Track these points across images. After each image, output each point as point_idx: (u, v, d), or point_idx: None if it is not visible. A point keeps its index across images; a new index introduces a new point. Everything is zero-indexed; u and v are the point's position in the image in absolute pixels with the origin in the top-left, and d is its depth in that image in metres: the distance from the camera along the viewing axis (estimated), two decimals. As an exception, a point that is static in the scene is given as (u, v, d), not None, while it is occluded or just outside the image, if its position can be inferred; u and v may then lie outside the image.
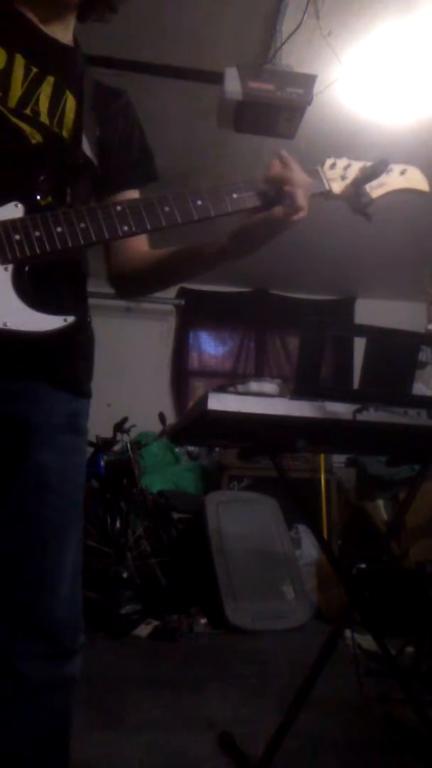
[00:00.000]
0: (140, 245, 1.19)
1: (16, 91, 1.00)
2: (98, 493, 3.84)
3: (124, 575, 3.55)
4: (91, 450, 3.87)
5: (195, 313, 5.71)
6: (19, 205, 0.95)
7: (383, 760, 1.87)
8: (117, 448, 4.19)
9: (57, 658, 1.02)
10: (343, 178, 1.13)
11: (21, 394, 1.00)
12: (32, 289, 0.95)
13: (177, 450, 4.85)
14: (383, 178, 1.17)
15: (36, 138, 1.00)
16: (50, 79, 1.04)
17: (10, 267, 0.93)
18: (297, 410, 1.45)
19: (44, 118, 1.02)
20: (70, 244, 0.95)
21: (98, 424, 4.06)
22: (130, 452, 4.00)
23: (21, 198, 0.95)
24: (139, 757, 1.87)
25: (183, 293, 5.65)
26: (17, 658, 0.99)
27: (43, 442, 1.00)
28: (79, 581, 1.08)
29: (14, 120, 0.99)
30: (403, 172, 1.22)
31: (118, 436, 4.08)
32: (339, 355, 5.65)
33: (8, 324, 0.91)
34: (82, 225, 0.96)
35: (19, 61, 1.01)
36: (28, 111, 1.00)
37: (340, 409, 1.48)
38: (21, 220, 0.94)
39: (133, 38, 2.77)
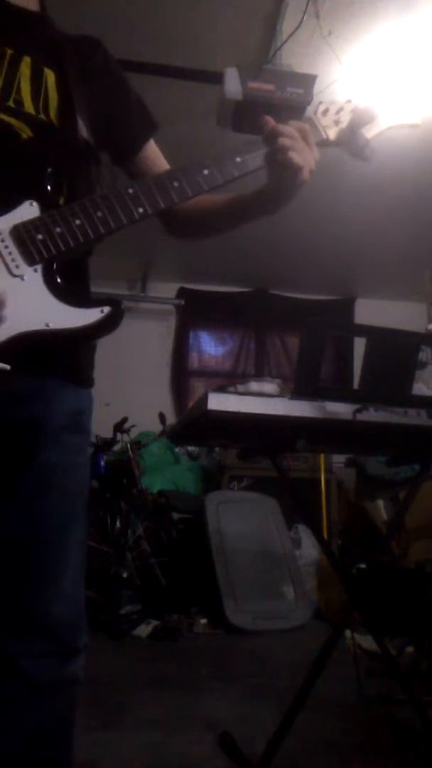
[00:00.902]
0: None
1: None
2: (98, 493, 3.84)
3: (124, 575, 3.55)
4: (91, 450, 3.87)
5: (195, 313, 5.71)
6: (34, 204, 0.93)
7: (383, 760, 1.87)
8: (117, 448, 4.19)
9: (60, 657, 1.02)
10: (337, 123, 1.12)
11: (36, 394, 0.99)
12: (63, 285, 0.94)
13: (177, 450, 4.85)
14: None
15: (26, 132, 0.98)
16: (27, 60, 1.01)
17: (40, 267, 0.92)
18: (297, 410, 1.45)
19: (29, 107, 0.99)
20: (92, 236, 0.94)
21: (98, 424, 4.05)
22: (130, 452, 4.00)
23: (34, 196, 0.93)
24: (139, 757, 1.87)
25: (183, 293, 5.65)
26: (21, 657, 0.99)
27: (49, 441, 1.00)
28: (82, 580, 1.08)
29: (2, 115, 0.96)
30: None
31: (118, 436, 4.08)
32: (339, 355, 5.65)
33: (50, 324, 0.91)
34: (99, 214, 0.95)
35: None
36: (11, 102, 0.97)
37: (340, 409, 1.48)
38: (40, 218, 0.93)
39: (133, 38, 2.77)
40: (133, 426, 4.15)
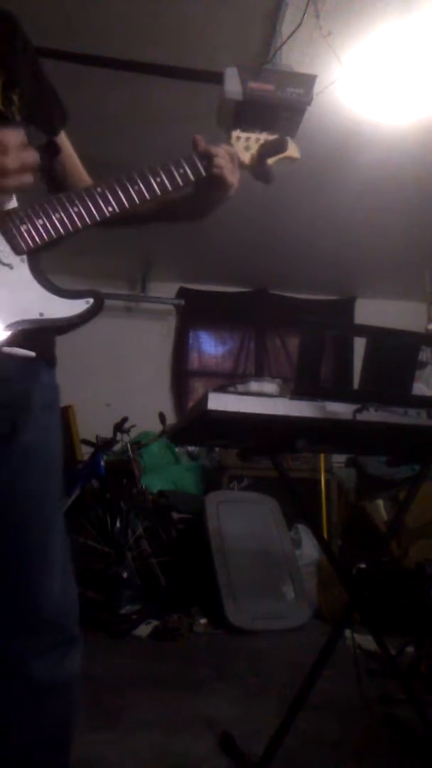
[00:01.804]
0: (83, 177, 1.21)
1: None
2: (98, 493, 3.83)
3: (124, 575, 3.55)
4: (91, 450, 3.87)
5: (195, 313, 5.71)
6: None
7: (383, 760, 1.87)
8: (117, 448, 4.19)
9: (61, 646, 1.02)
10: (247, 149, 1.25)
11: (20, 377, 1.01)
12: (45, 276, 0.97)
13: (177, 450, 4.85)
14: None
15: None
16: None
17: (26, 258, 0.95)
18: (297, 410, 1.45)
19: None
20: (70, 229, 0.98)
21: (98, 424, 4.10)
22: (130, 452, 4.00)
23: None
24: (140, 757, 1.87)
25: (183, 293, 5.65)
26: (24, 655, 0.99)
27: (28, 422, 1.01)
28: (69, 562, 1.07)
29: None
30: None
31: (118, 436, 4.07)
32: (339, 355, 5.65)
33: (44, 314, 0.95)
34: (75, 209, 0.99)
35: None
36: None
37: (340, 409, 1.48)
38: (22, 209, 0.95)
39: (133, 38, 2.77)
40: (133, 426, 4.15)
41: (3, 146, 0.88)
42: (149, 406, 4.49)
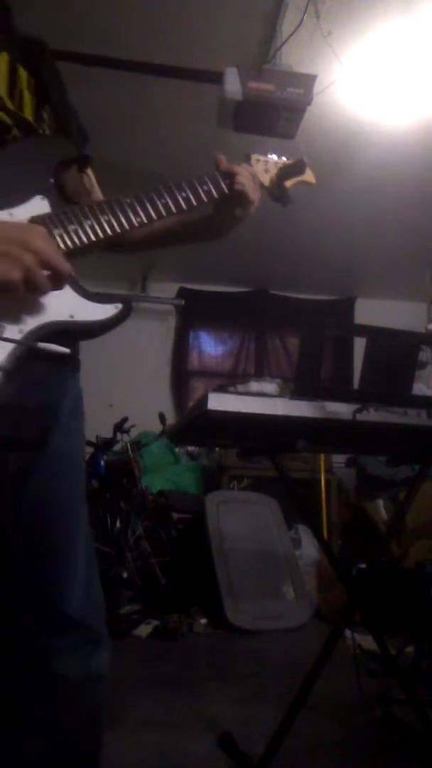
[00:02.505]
0: None
1: None
2: (98, 493, 3.84)
3: (124, 575, 3.55)
4: (91, 450, 3.87)
5: (195, 313, 5.71)
6: (45, 200, 0.98)
7: (383, 760, 1.87)
8: (117, 448, 4.19)
9: (88, 645, 1.03)
10: (266, 171, 1.31)
11: (51, 382, 1.03)
12: (76, 280, 0.99)
13: (177, 450, 4.85)
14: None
15: (15, 130, 1.02)
16: (5, 56, 1.04)
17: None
18: (297, 410, 1.45)
19: (12, 105, 1.02)
20: (101, 235, 1.01)
21: (98, 424, 4.10)
22: (130, 452, 4.01)
23: (43, 191, 0.97)
24: (139, 757, 1.87)
25: (183, 293, 5.65)
26: (51, 654, 1.00)
27: (57, 428, 1.03)
28: (95, 564, 1.10)
29: None
30: None
31: (118, 436, 4.08)
32: (339, 355, 5.65)
33: (74, 316, 0.98)
34: (105, 217, 1.02)
35: None
36: None
37: (340, 409, 1.48)
38: (55, 214, 0.98)
39: (133, 38, 2.77)
40: (133, 426, 4.15)
41: (42, 235, 0.90)
42: (149, 406, 4.49)
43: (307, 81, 2.51)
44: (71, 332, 1.00)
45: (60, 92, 1.17)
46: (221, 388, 1.56)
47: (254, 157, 1.31)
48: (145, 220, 1.07)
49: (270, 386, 1.67)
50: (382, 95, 3.09)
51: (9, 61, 1.04)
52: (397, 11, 2.60)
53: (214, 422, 1.47)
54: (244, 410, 1.41)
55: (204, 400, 1.41)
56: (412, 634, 2.55)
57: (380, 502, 4.02)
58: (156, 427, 4.33)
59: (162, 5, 2.63)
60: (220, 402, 1.41)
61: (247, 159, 1.30)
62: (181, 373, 5.66)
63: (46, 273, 0.90)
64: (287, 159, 1.34)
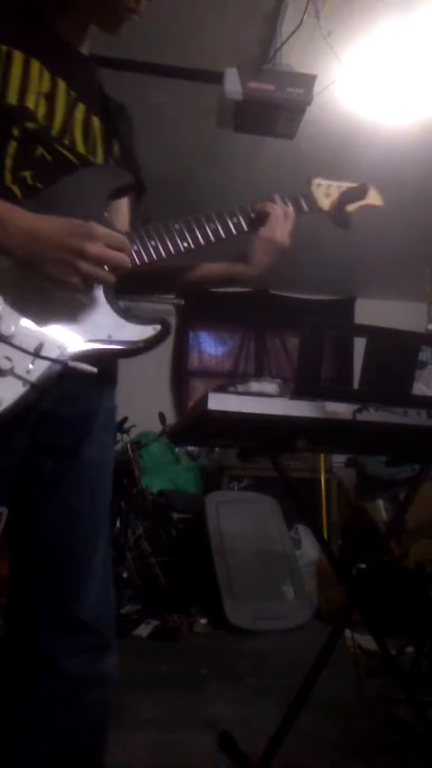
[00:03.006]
0: None
1: (59, 120, 1.06)
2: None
3: (124, 575, 3.55)
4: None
5: (195, 313, 5.71)
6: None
7: (383, 760, 1.87)
8: (117, 448, 4.19)
9: (96, 650, 1.07)
10: (327, 195, 1.33)
11: (87, 395, 1.08)
12: (118, 302, 1.05)
13: (177, 450, 4.85)
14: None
15: (77, 165, 1.08)
16: (81, 107, 1.11)
17: (101, 285, 1.02)
18: (297, 410, 1.45)
19: (80, 148, 1.09)
20: (146, 260, 1.06)
21: (98, 424, 4.09)
22: (130, 452, 4.00)
23: (93, 220, 1.00)
24: (139, 756, 1.87)
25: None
26: (61, 653, 1.04)
27: (89, 439, 1.08)
28: (110, 571, 1.14)
29: (59, 148, 1.06)
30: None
31: (118, 436, 4.07)
32: (339, 355, 5.65)
33: (112, 336, 1.01)
34: (152, 243, 1.07)
35: (61, 86, 1.07)
36: (66, 141, 1.07)
37: (340, 409, 1.48)
38: None
39: (134, 38, 2.76)
40: (133, 426, 4.15)
41: (94, 236, 0.94)
42: (149, 406, 4.49)
43: (307, 81, 2.51)
44: (109, 351, 1.03)
45: (129, 144, 1.23)
46: (221, 388, 1.55)
47: (315, 181, 1.32)
48: (192, 246, 1.11)
49: (270, 386, 1.67)
50: (382, 95, 3.09)
51: (84, 111, 1.11)
52: (397, 11, 2.60)
53: (214, 422, 1.47)
54: (244, 410, 1.42)
55: (204, 400, 1.41)
56: (412, 634, 2.55)
57: (380, 502, 4.02)
58: (156, 427, 4.32)
59: (162, 5, 2.63)
60: (220, 402, 1.41)
61: (308, 182, 1.31)
62: (181, 373, 5.66)
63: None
64: (351, 184, 1.34)
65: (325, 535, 4.08)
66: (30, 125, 1.02)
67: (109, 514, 1.16)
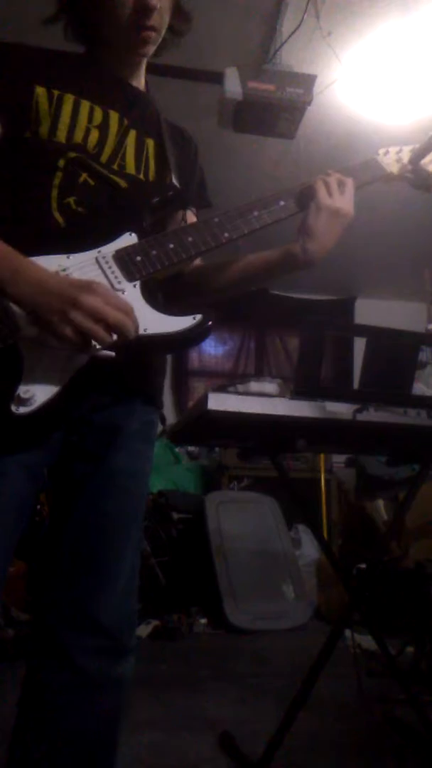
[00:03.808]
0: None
1: (109, 146, 1.14)
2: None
3: (124, 575, 3.54)
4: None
5: (195, 313, 5.70)
6: (133, 234, 1.08)
7: (383, 760, 1.87)
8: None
9: (112, 653, 1.10)
10: (398, 161, 1.29)
11: (119, 405, 1.12)
12: (159, 298, 1.08)
13: (177, 450, 4.85)
14: None
15: (123, 185, 1.14)
16: (132, 133, 1.17)
17: (138, 283, 1.05)
18: (297, 410, 1.45)
19: (130, 169, 1.16)
20: (183, 256, 1.08)
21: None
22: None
23: (133, 229, 1.08)
24: (140, 757, 1.87)
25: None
26: (76, 650, 1.06)
27: (120, 446, 1.11)
28: (135, 580, 1.16)
29: (104, 172, 1.12)
30: None
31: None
32: (339, 355, 5.65)
33: (148, 330, 1.02)
34: (190, 239, 1.09)
35: (114, 117, 1.15)
36: (115, 166, 1.14)
37: (340, 409, 1.48)
38: (139, 244, 1.07)
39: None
40: (133, 426, 4.14)
41: (92, 290, 0.95)
42: (149, 406, 4.48)
43: (307, 81, 2.51)
44: (145, 347, 1.04)
45: (186, 163, 1.28)
46: (221, 388, 1.56)
47: (382, 150, 1.29)
48: (234, 236, 1.12)
49: (270, 386, 1.67)
50: (382, 95, 3.09)
51: (136, 136, 1.18)
52: (397, 11, 2.60)
53: (214, 422, 1.47)
54: (244, 410, 1.41)
55: (204, 400, 1.41)
56: (412, 634, 2.55)
57: (380, 502, 4.02)
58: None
59: (162, 5, 2.63)
60: (220, 402, 1.41)
61: (375, 155, 1.28)
62: (181, 373, 5.66)
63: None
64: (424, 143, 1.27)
65: (325, 535, 4.08)
66: (73, 155, 1.09)
67: (142, 522, 1.18)
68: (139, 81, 1.27)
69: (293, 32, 2.58)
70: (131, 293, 1.03)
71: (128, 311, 0.96)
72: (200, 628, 3.41)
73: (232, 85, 2.47)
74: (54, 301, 0.92)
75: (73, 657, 1.06)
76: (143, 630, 3.29)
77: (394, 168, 1.28)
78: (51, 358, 0.97)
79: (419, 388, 1.76)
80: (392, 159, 1.29)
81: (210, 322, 1.06)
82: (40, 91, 1.10)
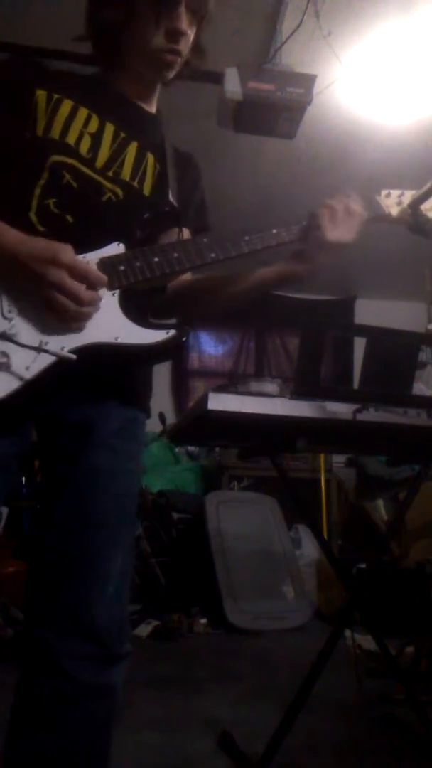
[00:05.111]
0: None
1: (104, 153, 1.14)
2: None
3: (124, 575, 3.54)
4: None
5: (195, 313, 5.70)
6: (121, 245, 1.07)
7: (383, 760, 1.87)
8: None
9: (102, 661, 1.07)
10: (398, 203, 1.30)
11: (93, 404, 1.10)
12: (136, 310, 1.06)
13: (177, 450, 4.85)
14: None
15: (118, 193, 1.14)
16: (134, 144, 1.18)
17: (117, 292, 1.05)
18: (297, 410, 1.45)
19: (125, 176, 1.16)
20: (167, 271, 1.08)
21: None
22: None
23: (122, 239, 1.07)
24: (140, 756, 1.87)
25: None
26: (65, 656, 1.04)
27: (99, 444, 1.09)
28: (127, 585, 1.13)
29: (99, 178, 1.13)
30: None
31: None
32: (339, 355, 5.64)
33: (119, 338, 1.02)
34: (176, 254, 1.09)
35: (109, 128, 1.16)
36: (110, 173, 1.14)
37: (340, 409, 1.48)
38: (124, 254, 1.07)
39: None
40: (133, 426, 4.14)
41: (57, 262, 0.97)
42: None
43: (307, 81, 2.51)
44: (116, 356, 1.04)
45: (186, 186, 1.28)
46: (221, 388, 1.56)
47: (384, 192, 1.30)
48: (219, 256, 1.12)
49: (270, 386, 1.67)
50: (382, 95, 3.09)
51: (138, 148, 1.19)
52: (397, 11, 2.60)
53: (214, 422, 1.47)
54: (244, 410, 1.42)
55: (204, 400, 1.41)
56: (412, 634, 2.55)
57: (380, 502, 4.02)
58: (156, 427, 4.32)
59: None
60: (220, 402, 1.41)
61: (377, 194, 1.30)
62: (181, 373, 5.66)
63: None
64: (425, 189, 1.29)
65: (325, 535, 4.07)
66: (60, 157, 1.10)
67: (133, 524, 1.17)
68: (151, 106, 1.30)
69: (293, 32, 2.58)
70: (108, 301, 1.04)
71: (90, 277, 0.99)
72: (200, 628, 3.41)
73: (232, 85, 2.46)
74: (29, 276, 0.97)
75: (62, 664, 1.04)
76: (143, 630, 3.29)
77: (393, 210, 1.30)
78: (16, 354, 0.98)
79: (419, 388, 1.76)
80: (393, 201, 1.30)
81: (183, 339, 1.06)
82: (41, 93, 1.12)
